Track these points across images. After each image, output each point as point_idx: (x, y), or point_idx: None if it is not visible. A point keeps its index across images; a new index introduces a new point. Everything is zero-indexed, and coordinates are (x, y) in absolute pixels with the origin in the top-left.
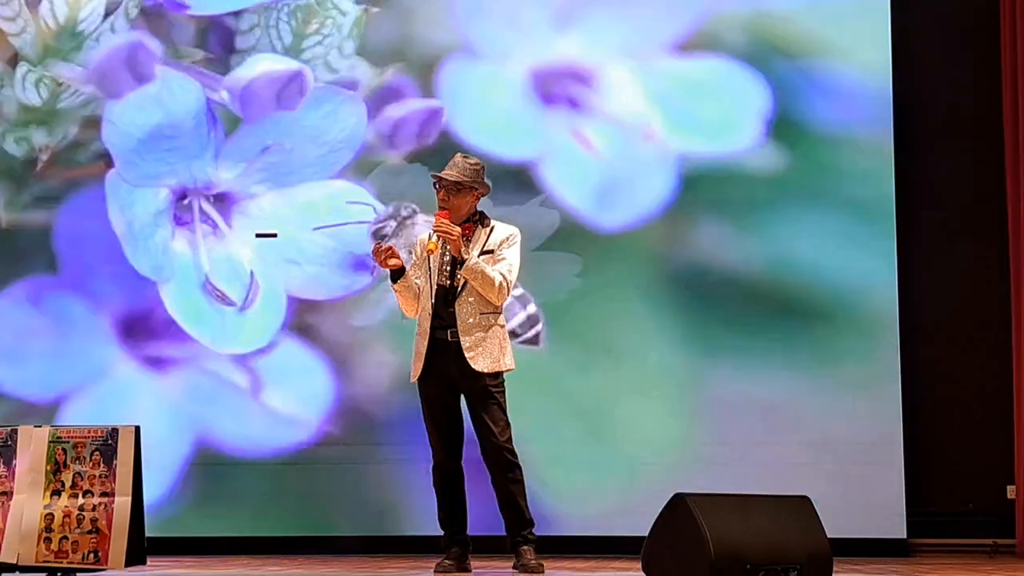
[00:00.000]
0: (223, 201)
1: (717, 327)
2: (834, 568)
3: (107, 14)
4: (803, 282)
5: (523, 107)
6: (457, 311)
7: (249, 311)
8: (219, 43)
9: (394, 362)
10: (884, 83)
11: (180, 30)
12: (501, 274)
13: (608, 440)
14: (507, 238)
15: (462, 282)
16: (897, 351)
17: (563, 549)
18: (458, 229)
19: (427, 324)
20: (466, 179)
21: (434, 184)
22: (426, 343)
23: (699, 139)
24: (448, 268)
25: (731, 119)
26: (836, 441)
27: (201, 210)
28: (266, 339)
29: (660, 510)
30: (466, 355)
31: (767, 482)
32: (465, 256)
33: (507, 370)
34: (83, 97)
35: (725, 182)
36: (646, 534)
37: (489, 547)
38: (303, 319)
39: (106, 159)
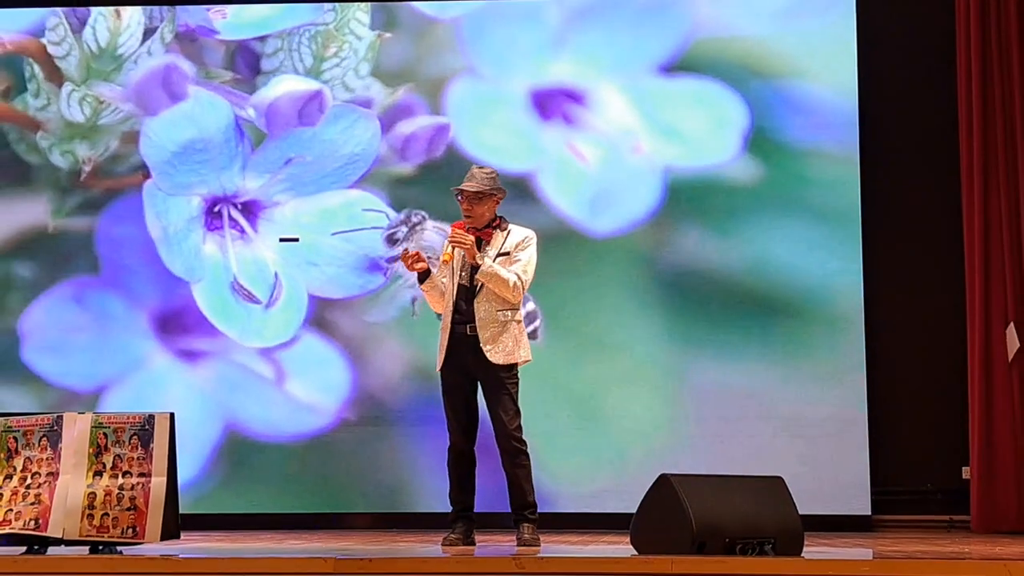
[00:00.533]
0: (250, 208)
1: (699, 323)
2: (804, 542)
3: (144, 38)
4: (777, 282)
5: (522, 123)
6: (476, 308)
7: (273, 308)
8: (246, 65)
9: (405, 354)
10: (851, 101)
11: (211, 53)
12: (516, 274)
13: (599, 426)
14: (522, 240)
15: (480, 283)
16: (862, 344)
17: (558, 525)
18: (471, 238)
19: (449, 319)
20: (485, 188)
21: (456, 196)
22: (447, 336)
23: (682, 152)
24: (468, 270)
25: (712, 134)
26: (806, 426)
27: (230, 217)
28: (289, 334)
29: (647, 489)
30: (483, 348)
31: (744, 463)
32: (479, 262)
33: (522, 362)
34: (122, 114)
35: (706, 191)
36: (634, 511)
37: (491, 523)
38: (322, 316)
39: (143, 170)
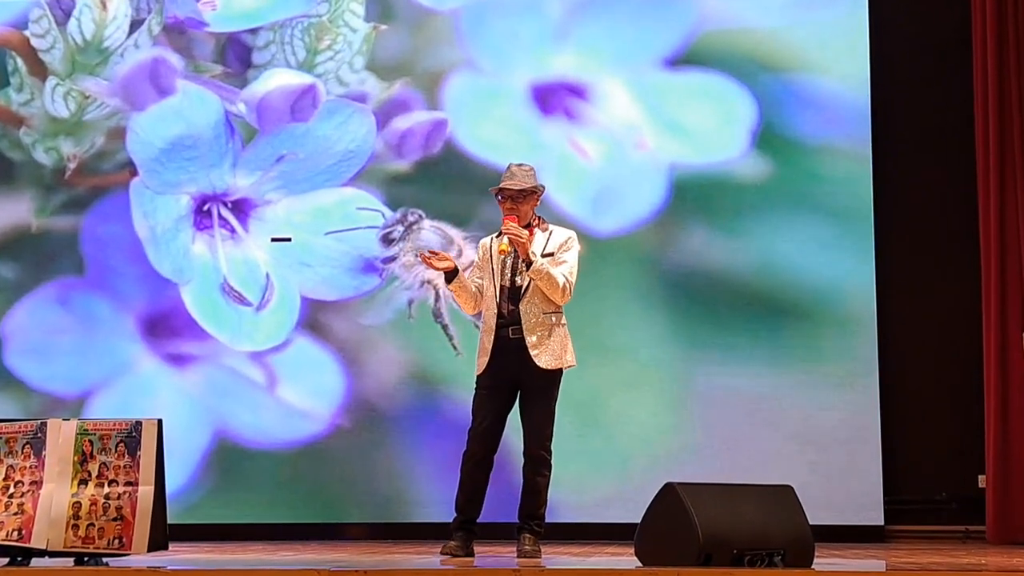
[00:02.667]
0: (240, 207)
1: (705, 326)
2: (815, 553)
3: (131, 31)
4: (786, 284)
5: (523, 118)
6: (522, 310)
7: (264, 311)
8: (236, 58)
9: (401, 358)
10: (863, 95)
11: (200, 46)
12: (564, 276)
13: (602, 432)
14: (566, 241)
15: (527, 282)
16: (875, 347)
17: (559, 535)
18: (527, 232)
19: (493, 322)
20: (528, 185)
21: (496, 197)
22: (492, 339)
23: (688, 149)
24: (510, 270)
25: (719, 130)
26: (817, 433)
27: (220, 216)
28: (281, 337)
29: (651, 499)
30: (530, 352)
31: (752, 472)
32: (533, 258)
33: (568, 367)
34: (108, 109)
35: (713, 190)
36: (639, 521)
37: (494, 534)
38: (315, 318)
39: (130, 168)
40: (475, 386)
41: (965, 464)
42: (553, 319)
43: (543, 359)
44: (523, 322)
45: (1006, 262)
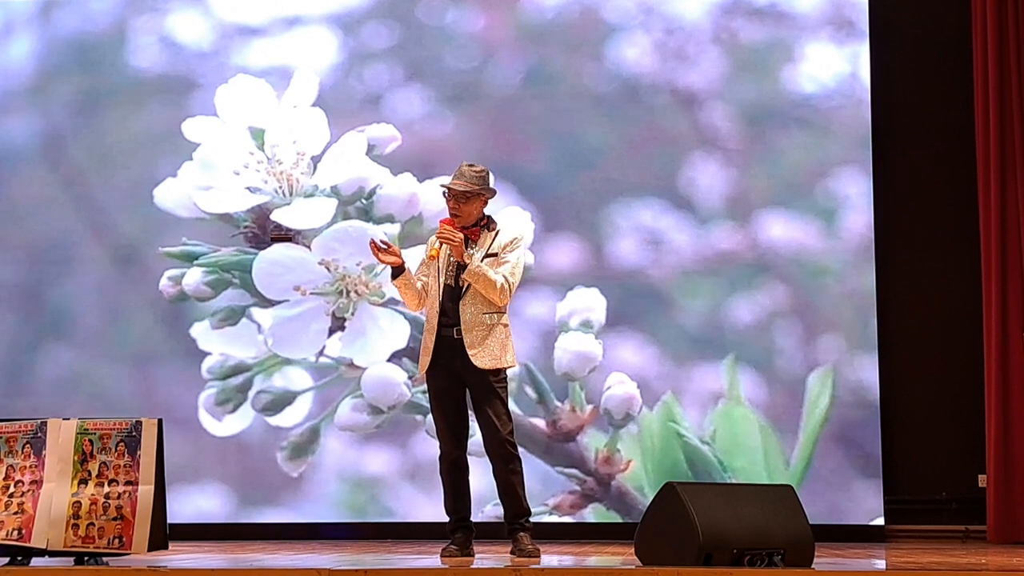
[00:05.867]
0: None
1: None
2: (815, 552)
3: None
4: (789, 285)
5: None
6: (461, 310)
7: None
8: None
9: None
10: (862, 96)
11: None
12: (503, 276)
13: None
14: (511, 241)
15: (466, 283)
16: (875, 349)
17: (557, 535)
18: (460, 235)
19: (435, 321)
20: (474, 187)
21: (444, 194)
22: (433, 339)
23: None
24: (453, 269)
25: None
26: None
27: None
28: None
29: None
30: (468, 352)
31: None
32: (467, 260)
33: (508, 367)
34: None
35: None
36: (639, 521)
37: (494, 534)
38: None
39: None
40: (427, 390)
41: (965, 464)
42: (492, 319)
43: (481, 359)
44: (462, 322)
45: (1006, 262)
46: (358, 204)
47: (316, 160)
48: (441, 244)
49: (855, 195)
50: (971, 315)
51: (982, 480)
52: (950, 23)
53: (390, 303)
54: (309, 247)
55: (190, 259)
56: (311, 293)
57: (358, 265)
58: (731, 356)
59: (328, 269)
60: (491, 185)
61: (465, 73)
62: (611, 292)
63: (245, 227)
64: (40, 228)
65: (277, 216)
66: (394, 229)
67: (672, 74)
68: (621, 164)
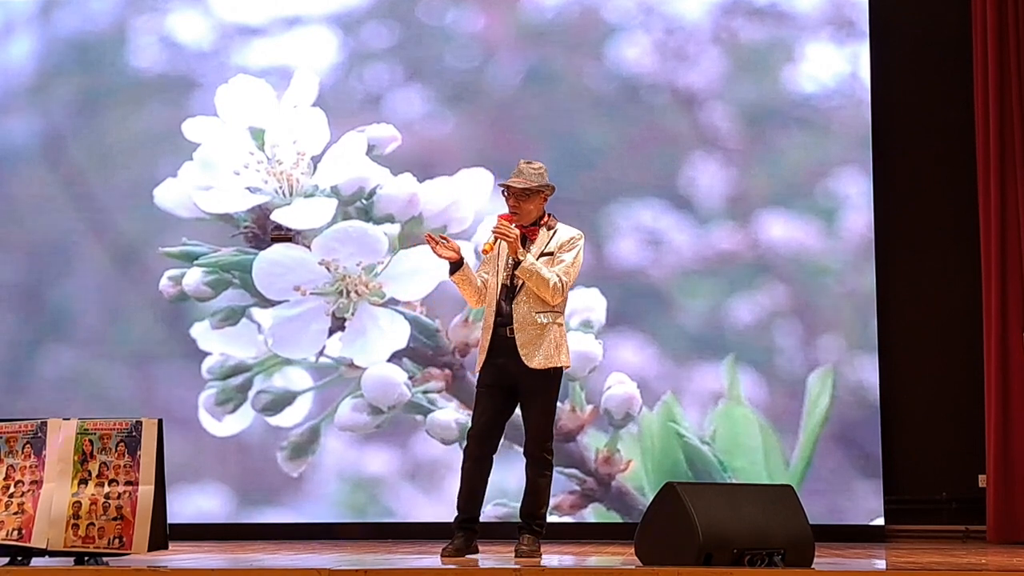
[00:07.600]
0: None
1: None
2: (815, 552)
3: None
4: (789, 285)
5: None
6: (515, 309)
7: None
8: None
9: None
10: (862, 96)
11: None
12: (557, 275)
13: None
14: (568, 240)
15: (520, 282)
16: (875, 349)
17: (559, 535)
18: (516, 231)
19: (491, 320)
20: (533, 184)
21: (503, 192)
22: (489, 337)
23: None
24: (511, 268)
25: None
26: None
27: None
28: None
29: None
30: (520, 352)
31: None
32: (521, 257)
33: (563, 366)
34: None
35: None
36: (639, 521)
37: (494, 534)
38: None
39: None
40: (476, 384)
41: (965, 464)
42: (546, 319)
43: (534, 359)
44: (515, 321)
45: (1006, 262)
46: (358, 204)
47: (316, 160)
48: (496, 239)
49: (855, 195)
50: (971, 315)
51: (982, 480)
52: (950, 23)
53: (390, 303)
54: (309, 247)
55: (190, 259)
56: (311, 293)
57: (358, 265)
58: (731, 356)
59: (328, 269)
60: (549, 182)
61: (465, 73)
62: (611, 292)
63: (245, 227)
64: (40, 228)
65: (277, 216)
66: (394, 229)
67: (672, 74)
68: (621, 164)
